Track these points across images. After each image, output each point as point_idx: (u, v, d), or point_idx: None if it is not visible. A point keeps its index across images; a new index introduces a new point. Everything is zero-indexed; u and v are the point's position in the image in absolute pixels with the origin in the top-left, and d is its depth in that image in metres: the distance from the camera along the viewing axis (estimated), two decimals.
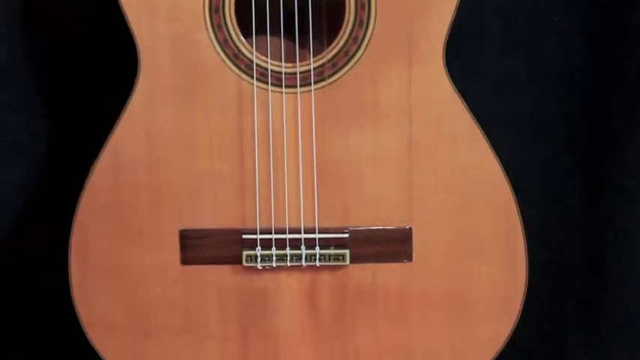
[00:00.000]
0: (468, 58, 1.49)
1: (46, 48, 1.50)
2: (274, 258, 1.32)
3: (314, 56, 1.31)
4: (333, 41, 1.30)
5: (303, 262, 1.32)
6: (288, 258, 1.32)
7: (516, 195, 1.33)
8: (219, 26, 1.29)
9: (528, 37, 1.52)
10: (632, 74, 1.51)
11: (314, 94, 1.31)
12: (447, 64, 1.31)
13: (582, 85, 1.54)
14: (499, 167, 1.33)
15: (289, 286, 1.34)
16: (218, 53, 1.30)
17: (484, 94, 1.50)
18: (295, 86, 1.31)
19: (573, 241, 1.57)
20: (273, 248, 1.32)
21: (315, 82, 1.31)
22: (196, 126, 1.31)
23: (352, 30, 1.29)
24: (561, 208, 1.57)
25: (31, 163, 1.53)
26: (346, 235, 1.32)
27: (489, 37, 1.51)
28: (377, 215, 1.33)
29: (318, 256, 1.32)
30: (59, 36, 1.50)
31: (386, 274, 1.33)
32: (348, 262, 1.33)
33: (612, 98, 1.53)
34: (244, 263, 1.33)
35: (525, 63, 1.53)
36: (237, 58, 1.30)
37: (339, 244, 1.32)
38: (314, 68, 1.30)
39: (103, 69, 1.50)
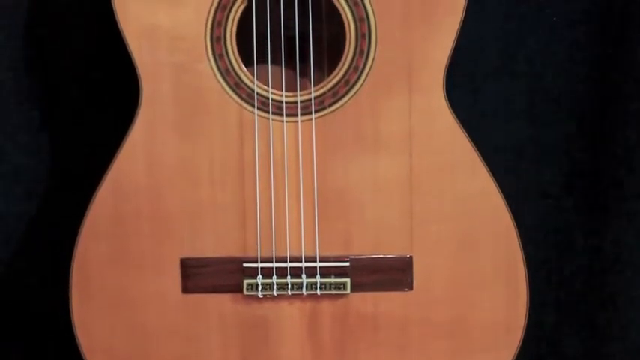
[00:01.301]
0: (467, 86, 1.50)
1: (48, 77, 1.51)
2: (275, 286, 1.32)
3: (315, 85, 1.31)
4: (333, 70, 1.31)
5: (304, 291, 1.32)
6: (289, 286, 1.32)
7: (516, 222, 1.33)
8: (221, 56, 1.30)
9: (528, 64, 1.52)
10: (632, 99, 1.52)
11: (315, 122, 1.31)
12: (446, 92, 1.31)
13: (582, 111, 1.54)
14: (499, 195, 1.33)
15: (290, 315, 1.34)
16: (219, 82, 1.30)
17: (484, 121, 1.50)
18: (296, 115, 1.31)
19: (574, 268, 1.57)
20: (274, 277, 1.32)
21: (315, 111, 1.31)
22: (197, 154, 1.32)
23: (353, 59, 1.30)
24: (563, 234, 1.57)
25: (33, 190, 1.53)
26: (347, 264, 1.33)
27: (489, 64, 1.52)
28: (378, 243, 1.33)
29: (318, 285, 1.32)
30: (61, 65, 1.50)
31: (387, 302, 1.34)
32: (348, 290, 1.33)
33: (613, 123, 1.53)
34: (245, 292, 1.33)
35: (525, 89, 1.53)
36: (238, 87, 1.31)
37: (340, 272, 1.33)
38: (315, 97, 1.31)
39: (105, 97, 1.50)
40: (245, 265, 1.33)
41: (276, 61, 1.31)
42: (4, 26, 1.48)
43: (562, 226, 1.56)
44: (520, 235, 1.33)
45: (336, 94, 1.31)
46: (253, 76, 1.30)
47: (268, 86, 1.31)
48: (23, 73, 1.50)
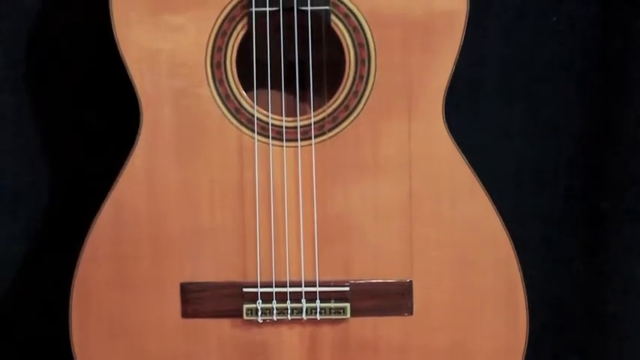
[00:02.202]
0: (466, 110, 1.50)
1: (49, 99, 1.51)
2: (275, 311, 1.32)
3: (314, 110, 1.32)
4: (333, 95, 1.31)
5: (304, 316, 1.32)
6: (289, 311, 1.32)
7: (516, 247, 1.33)
8: (221, 81, 1.30)
9: (526, 88, 1.53)
10: (629, 122, 1.52)
11: (314, 147, 1.31)
12: (446, 116, 1.32)
13: (582, 135, 1.54)
14: (499, 220, 1.33)
15: (290, 340, 1.34)
16: (219, 108, 1.31)
17: (483, 145, 1.51)
18: (296, 140, 1.31)
19: (574, 292, 1.57)
20: (274, 301, 1.32)
21: (315, 136, 1.31)
22: (198, 179, 1.32)
23: (352, 84, 1.30)
24: (562, 259, 1.57)
25: (32, 213, 1.53)
26: (347, 289, 1.33)
27: (488, 89, 1.52)
28: (377, 268, 1.33)
29: (318, 310, 1.32)
30: (62, 86, 1.51)
31: (387, 327, 1.33)
32: (348, 315, 1.33)
33: (611, 146, 1.54)
34: (245, 317, 1.33)
35: (524, 113, 1.54)
36: (238, 112, 1.31)
37: (340, 297, 1.32)
38: (314, 122, 1.31)
39: (105, 120, 1.51)
40: (245, 290, 1.32)
41: (276, 87, 1.32)
42: (5, 49, 1.49)
43: (562, 250, 1.56)
44: (520, 260, 1.33)
45: (335, 119, 1.31)
46: (253, 101, 1.31)
47: (268, 111, 1.32)
48: (23, 93, 1.51)
